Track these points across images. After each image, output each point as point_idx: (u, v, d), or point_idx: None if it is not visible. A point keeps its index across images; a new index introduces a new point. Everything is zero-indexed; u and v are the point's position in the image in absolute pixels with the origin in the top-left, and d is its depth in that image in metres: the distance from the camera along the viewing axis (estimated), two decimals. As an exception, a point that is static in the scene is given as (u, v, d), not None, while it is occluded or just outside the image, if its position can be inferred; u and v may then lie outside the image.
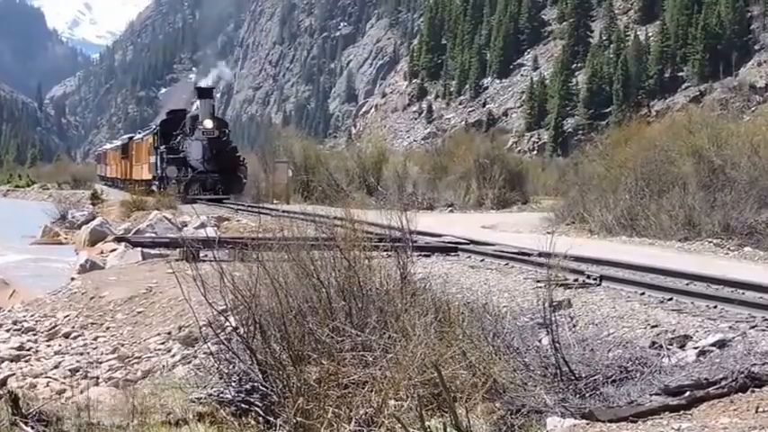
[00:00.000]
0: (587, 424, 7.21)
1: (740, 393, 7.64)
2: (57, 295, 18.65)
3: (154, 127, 62.06)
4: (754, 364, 8.00)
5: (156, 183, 55.03)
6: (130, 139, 78.34)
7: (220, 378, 9.31)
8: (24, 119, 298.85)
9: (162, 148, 54.04)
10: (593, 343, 8.95)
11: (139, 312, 15.67)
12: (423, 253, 18.25)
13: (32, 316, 17.27)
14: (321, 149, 68.33)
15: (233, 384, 8.95)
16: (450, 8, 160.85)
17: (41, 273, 25.72)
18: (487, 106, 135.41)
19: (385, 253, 10.79)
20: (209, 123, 51.04)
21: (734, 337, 10.19)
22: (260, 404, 8.61)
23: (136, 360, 13.73)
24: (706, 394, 7.66)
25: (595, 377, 8.05)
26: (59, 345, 14.98)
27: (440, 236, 22.76)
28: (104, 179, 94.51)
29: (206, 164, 50.12)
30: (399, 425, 7.09)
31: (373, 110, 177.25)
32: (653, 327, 11.24)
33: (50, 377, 13.26)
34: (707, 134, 28.26)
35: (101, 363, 13.68)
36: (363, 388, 7.95)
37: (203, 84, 62.86)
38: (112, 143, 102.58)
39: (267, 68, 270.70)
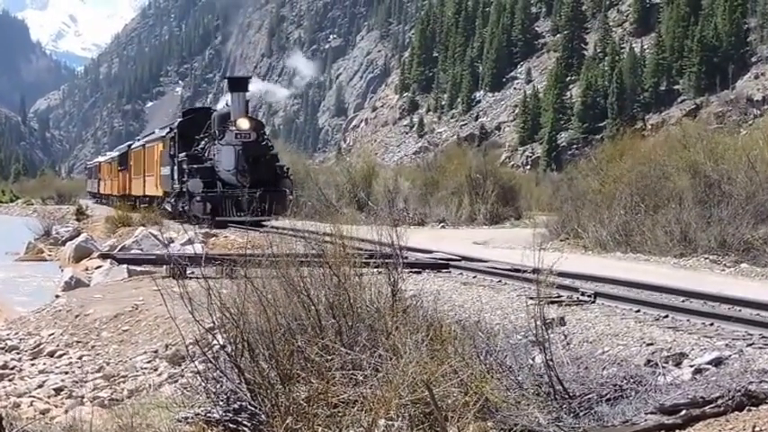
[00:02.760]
0: (581, 443, 7.03)
1: (737, 412, 7.52)
2: (41, 313, 18.50)
3: (166, 130, 49.58)
4: (751, 383, 7.87)
5: (171, 201, 44.85)
6: (129, 147, 68.02)
7: (208, 397, 9.15)
8: (7, 133, 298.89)
9: (181, 155, 42.81)
10: (588, 361, 8.83)
11: (125, 330, 15.52)
12: (414, 270, 18.15)
13: (16, 334, 17.10)
14: (310, 164, 68.19)
15: (220, 403, 8.81)
16: (442, 20, 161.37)
17: (25, 290, 25.54)
18: (480, 120, 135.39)
19: (375, 270, 10.67)
20: (244, 123, 40.30)
21: (730, 355, 10.11)
22: (248, 424, 8.47)
23: (122, 379, 13.54)
24: (702, 413, 7.54)
25: (590, 396, 7.92)
26: (44, 363, 14.80)
27: (431, 252, 22.63)
28: (96, 196, 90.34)
29: (240, 176, 39.57)
30: (390, 445, 6.96)
31: (363, 124, 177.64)
32: (648, 344, 11.15)
33: (34, 396, 13.07)
34: (703, 148, 28.16)
35: (86, 382, 13.49)
36: (353, 407, 7.82)
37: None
38: (106, 155, 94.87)
39: (254, 81, 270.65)
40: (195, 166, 40.77)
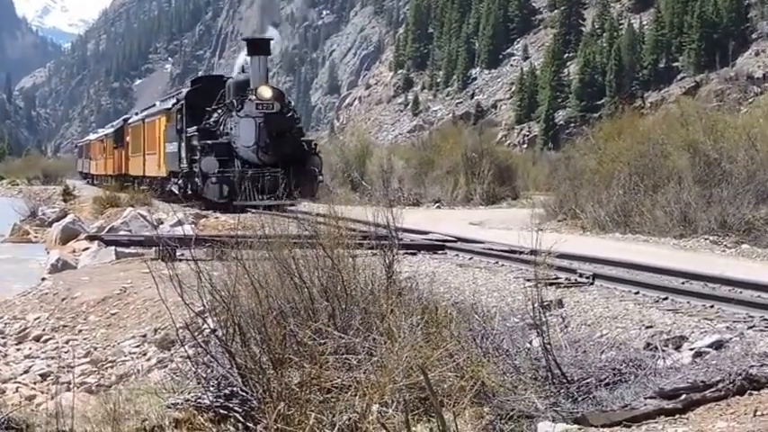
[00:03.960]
0: (579, 429, 7.06)
1: (738, 396, 7.44)
2: (27, 296, 18.36)
3: (171, 101, 44.50)
4: (752, 366, 7.78)
5: (179, 182, 40.54)
6: (125, 121, 63.71)
7: (198, 383, 9.04)
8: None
9: (191, 130, 38.39)
10: (586, 345, 8.77)
11: (113, 314, 15.40)
12: (409, 251, 18.06)
13: (1, 318, 16.94)
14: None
15: (211, 389, 8.68)
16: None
17: (11, 273, 25.34)
18: (476, 98, 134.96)
19: (370, 251, 10.52)
20: (266, 92, 36.03)
21: (731, 338, 10.09)
22: (239, 410, 8.34)
23: (110, 364, 13.47)
24: (702, 397, 7.46)
25: (588, 380, 7.83)
26: (29, 348, 14.68)
27: (427, 233, 22.53)
28: (88, 176, 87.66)
29: (262, 153, 35.58)
30: (384, 430, 6.81)
31: (357, 102, 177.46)
32: (648, 327, 11.04)
33: (20, 382, 13.01)
34: (702, 126, 28.00)
35: (73, 367, 13.37)
36: (347, 392, 7.72)
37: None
38: (98, 132, 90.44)
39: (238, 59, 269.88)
40: (209, 141, 36.46)
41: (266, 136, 35.51)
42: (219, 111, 37.79)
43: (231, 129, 36.17)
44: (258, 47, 37.82)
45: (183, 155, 39.02)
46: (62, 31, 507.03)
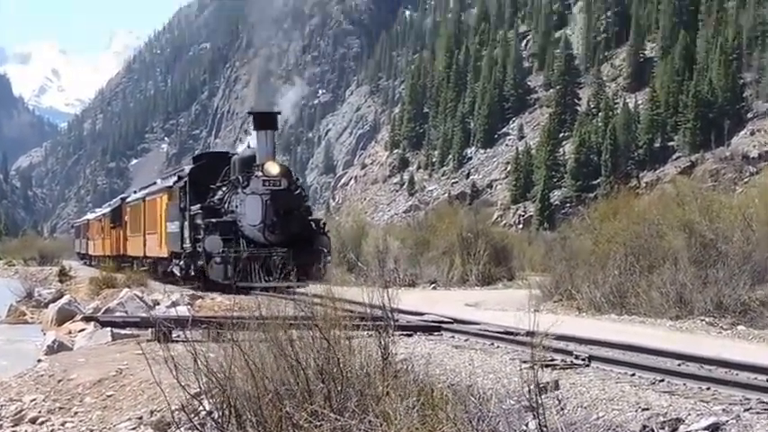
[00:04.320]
0: None
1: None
2: (23, 378, 18.25)
3: (173, 179, 42.97)
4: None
5: (181, 263, 38.59)
6: (123, 200, 62.15)
7: (194, 465, 8.99)
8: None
9: (194, 208, 36.66)
10: (582, 427, 8.79)
11: (109, 396, 15.31)
12: (405, 332, 17.97)
13: (-3, 400, 16.83)
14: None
15: (207, 471, 8.61)
16: (433, 74, 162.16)
17: (7, 354, 25.24)
18: (471, 177, 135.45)
19: (366, 332, 10.52)
20: (273, 168, 34.34)
21: (727, 421, 10.07)
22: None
23: (106, 446, 13.33)
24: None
25: (585, 463, 7.77)
26: (26, 430, 14.57)
27: (422, 314, 22.46)
28: (85, 257, 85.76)
29: (268, 232, 33.82)
30: None
31: (353, 181, 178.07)
32: (644, 410, 11.00)
33: (16, 465, 12.86)
34: (698, 207, 28.08)
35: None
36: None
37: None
38: (95, 211, 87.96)
39: (243, 138, 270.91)
40: (213, 220, 34.48)
41: (273, 214, 33.75)
42: (224, 188, 35.90)
43: (236, 206, 34.23)
44: (265, 121, 35.67)
45: (187, 234, 37.18)
46: (59, 111, 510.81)
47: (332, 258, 36.30)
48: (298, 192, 35.34)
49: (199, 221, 35.52)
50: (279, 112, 38.10)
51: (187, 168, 40.44)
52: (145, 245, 48.91)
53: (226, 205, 34.84)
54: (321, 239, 34.62)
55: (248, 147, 37.77)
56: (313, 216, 37.37)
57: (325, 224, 36.66)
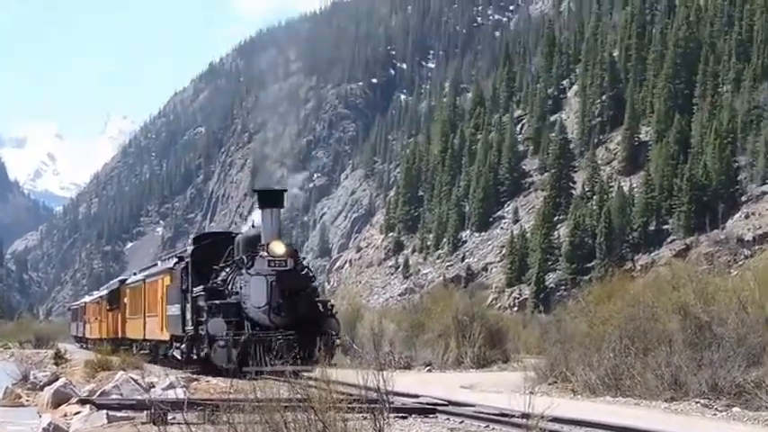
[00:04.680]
0: None
1: None
2: (19, 461, 18.19)
3: (173, 261, 42.02)
4: None
5: (182, 346, 37.38)
6: (122, 282, 60.70)
7: None
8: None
9: (197, 290, 35.20)
10: None
11: (104, 478, 15.23)
12: (400, 414, 17.87)
13: (-7, 484, 16.74)
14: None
15: None
16: (428, 158, 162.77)
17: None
18: (466, 260, 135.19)
19: (361, 415, 10.48)
20: (278, 247, 32.76)
21: None
22: None
23: None
24: None
25: None
26: None
27: (417, 396, 22.34)
28: (82, 341, 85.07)
29: (274, 314, 32.16)
30: None
31: (348, 265, 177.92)
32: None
33: None
34: (693, 289, 28.09)
35: None
36: None
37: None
38: (93, 294, 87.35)
39: (237, 221, 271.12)
40: (216, 302, 32.91)
41: (278, 296, 32.08)
42: (228, 269, 34.30)
43: (241, 288, 32.68)
44: (270, 199, 34.04)
45: (189, 317, 35.73)
46: (54, 194, 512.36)
47: (341, 341, 34.82)
48: (304, 272, 33.83)
49: (201, 303, 34.02)
50: (285, 190, 36.49)
51: (189, 249, 38.86)
52: (145, 327, 47.83)
53: (229, 286, 33.30)
54: (329, 322, 32.94)
55: (252, 226, 36.40)
56: (320, 297, 35.89)
57: (332, 305, 34.67)
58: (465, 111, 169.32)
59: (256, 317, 32.08)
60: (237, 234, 36.98)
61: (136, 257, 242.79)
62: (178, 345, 38.14)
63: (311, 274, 35.00)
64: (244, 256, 33.17)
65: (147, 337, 47.52)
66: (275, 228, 33.32)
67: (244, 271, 32.71)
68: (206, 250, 36.58)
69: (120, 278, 65.10)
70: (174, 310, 38.17)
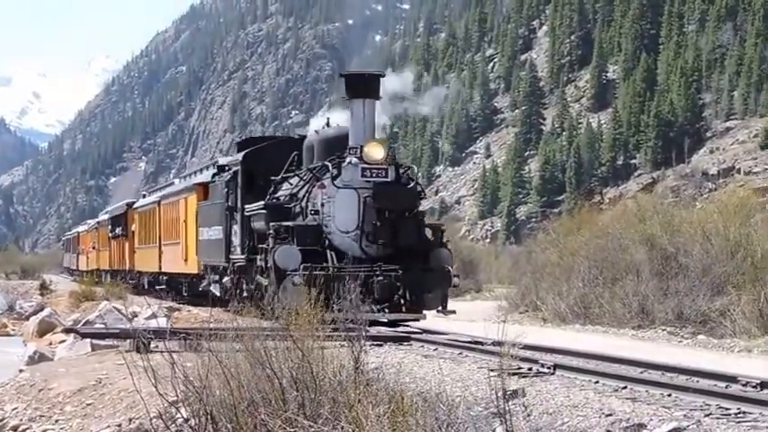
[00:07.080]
0: None
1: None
2: (4, 387, 18.39)
3: (211, 171, 32.76)
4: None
5: (226, 281, 28.38)
6: (129, 206, 51.35)
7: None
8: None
9: (252, 207, 25.93)
10: (548, 432, 8.91)
11: (89, 404, 15.42)
12: (376, 342, 18.13)
13: (-21, 409, 16.99)
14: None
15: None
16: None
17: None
18: (440, 194, 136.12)
19: (338, 343, 10.74)
20: (376, 151, 23.35)
21: (688, 426, 10.18)
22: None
23: (85, 453, 13.48)
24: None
25: (550, 466, 7.92)
26: (7, 438, 14.76)
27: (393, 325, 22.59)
28: (75, 273, 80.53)
29: (369, 241, 23.22)
30: None
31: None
32: (607, 415, 11.18)
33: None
34: (659, 221, 28.51)
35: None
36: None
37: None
38: (88, 222, 78.62)
39: (218, 157, 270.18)
40: (285, 223, 23.52)
41: (375, 216, 23.21)
42: (294, 180, 25.39)
43: (321, 205, 23.45)
44: (365, 87, 24.13)
45: (237, 242, 27.40)
46: (39, 132, 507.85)
47: (457, 280, 24.54)
48: (411, 186, 24.28)
49: (259, 225, 25.32)
50: (383, 74, 25.90)
51: (240, 155, 28.82)
52: (161, 258, 40.58)
53: (303, 203, 24.01)
54: (441, 254, 23.84)
55: (327, 125, 26.21)
56: (430, 221, 27.47)
57: (443, 231, 25.28)
58: (438, 50, 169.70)
59: (343, 245, 23.39)
60: (303, 137, 27.59)
61: (119, 192, 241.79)
62: (216, 278, 30.36)
63: (420, 190, 25.08)
64: (327, 163, 23.93)
65: (163, 270, 40.72)
66: (369, 125, 23.92)
67: (326, 182, 23.61)
68: (261, 157, 27.74)
69: (126, 201, 55.23)
70: (213, 233, 30.22)
